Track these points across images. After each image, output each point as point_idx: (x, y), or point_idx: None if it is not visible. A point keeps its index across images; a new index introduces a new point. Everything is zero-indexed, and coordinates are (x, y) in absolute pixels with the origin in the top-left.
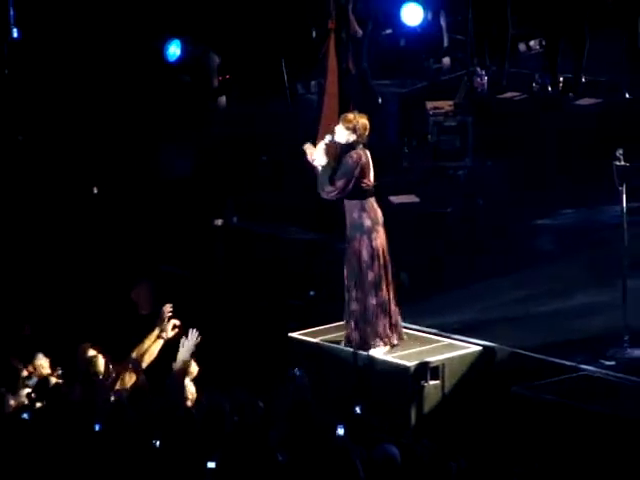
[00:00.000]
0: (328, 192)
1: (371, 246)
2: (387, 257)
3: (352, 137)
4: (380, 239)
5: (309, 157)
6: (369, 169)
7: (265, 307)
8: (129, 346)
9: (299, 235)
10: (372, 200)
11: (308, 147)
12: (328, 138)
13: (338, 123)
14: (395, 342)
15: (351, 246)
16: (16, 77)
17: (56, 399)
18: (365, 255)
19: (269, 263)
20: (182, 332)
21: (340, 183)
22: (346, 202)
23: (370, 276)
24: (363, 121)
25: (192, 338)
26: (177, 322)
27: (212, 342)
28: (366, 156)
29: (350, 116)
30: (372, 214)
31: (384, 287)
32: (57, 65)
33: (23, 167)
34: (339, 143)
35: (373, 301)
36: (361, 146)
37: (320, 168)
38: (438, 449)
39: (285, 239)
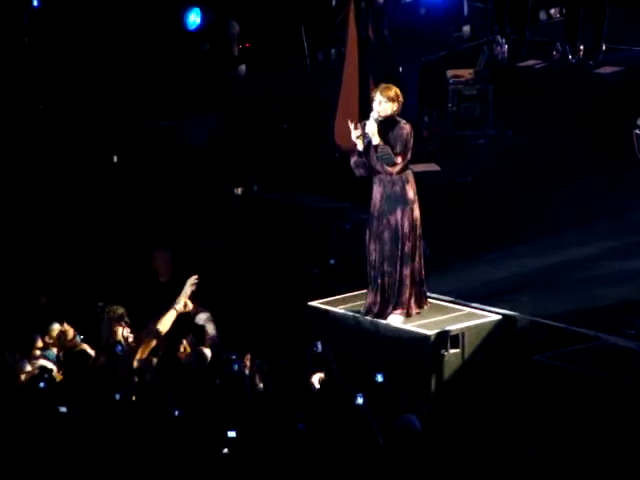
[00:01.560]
0: (395, 168)
1: (412, 217)
2: (420, 227)
3: (395, 106)
4: (418, 210)
5: (353, 137)
6: None
7: (284, 275)
8: (148, 313)
9: (319, 203)
10: (411, 172)
11: (352, 126)
12: (374, 115)
13: (381, 87)
14: (414, 312)
15: (387, 220)
16: (36, 46)
17: (83, 366)
18: (406, 226)
19: (289, 231)
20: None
21: (403, 157)
22: (385, 175)
23: (407, 247)
24: (398, 89)
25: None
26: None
27: (230, 311)
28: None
29: (387, 87)
30: (413, 186)
31: (417, 257)
32: (77, 33)
33: (44, 135)
34: (381, 117)
35: (407, 271)
36: (398, 117)
37: (373, 145)
38: (458, 418)
39: (305, 207)
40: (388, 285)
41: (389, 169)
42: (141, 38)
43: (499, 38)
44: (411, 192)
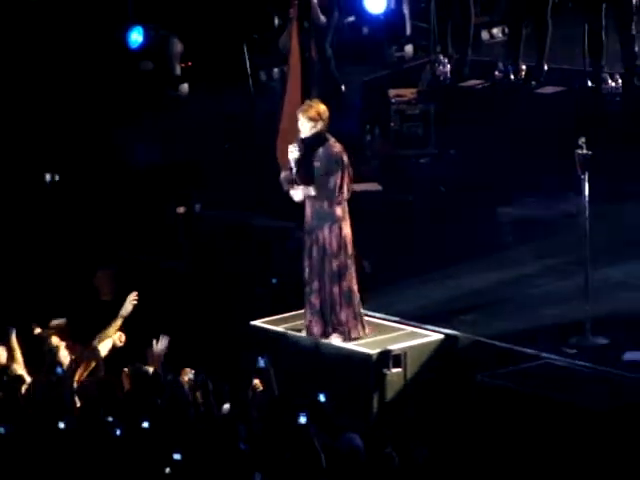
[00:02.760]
0: (341, 197)
1: (340, 235)
2: (352, 246)
3: (319, 125)
4: (348, 228)
5: (290, 157)
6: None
7: (227, 294)
8: (90, 333)
9: (262, 222)
10: None
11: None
12: (295, 142)
13: (302, 107)
14: (360, 334)
15: (314, 236)
16: None
17: (15, 390)
18: (334, 244)
19: (231, 250)
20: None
21: (334, 180)
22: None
23: (335, 265)
24: (323, 106)
25: (162, 344)
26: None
27: (175, 329)
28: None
29: (308, 106)
30: (343, 203)
31: (348, 276)
32: (17, 50)
33: None
34: (304, 138)
35: (336, 290)
36: (329, 135)
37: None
38: (401, 438)
39: (248, 226)
40: (321, 303)
41: (323, 197)
42: (82, 57)
43: (441, 58)
44: (339, 209)
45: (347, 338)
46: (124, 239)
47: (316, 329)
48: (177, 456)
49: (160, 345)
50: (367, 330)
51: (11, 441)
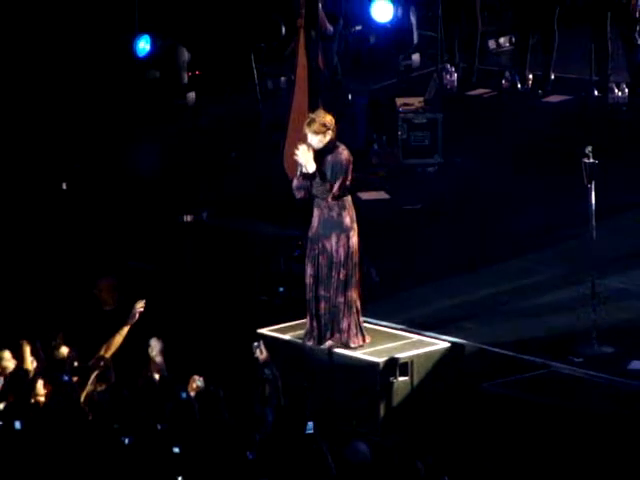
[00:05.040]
0: (329, 195)
1: (348, 245)
2: (358, 255)
3: (328, 136)
4: (355, 237)
5: (301, 159)
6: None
7: (233, 302)
8: (95, 342)
9: (268, 231)
10: (350, 198)
11: (301, 148)
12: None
13: (307, 120)
14: (360, 342)
15: (322, 244)
16: None
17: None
18: (341, 253)
19: (238, 258)
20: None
21: (338, 184)
22: (323, 200)
23: (342, 274)
24: (329, 116)
25: (155, 348)
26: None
27: (180, 338)
28: (350, 152)
29: (312, 120)
30: (351, 212)
31: (353, 285)
32: (26, 60)
33: None
34: (316, 150)
35: (341, 299)
36: (338, 142)
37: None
38: (407, 446)
39: (254, 235)
40: (324, 311)
41: (319, 195)
42: (91, 65)
43: (449, 67)
44: (348, 219)
45: (344, 345)
46: (131, 248)
47: (316, 334)
48: (176, 449)
49: (154, 350)
50: (367, 339)
51: (24, 440)
